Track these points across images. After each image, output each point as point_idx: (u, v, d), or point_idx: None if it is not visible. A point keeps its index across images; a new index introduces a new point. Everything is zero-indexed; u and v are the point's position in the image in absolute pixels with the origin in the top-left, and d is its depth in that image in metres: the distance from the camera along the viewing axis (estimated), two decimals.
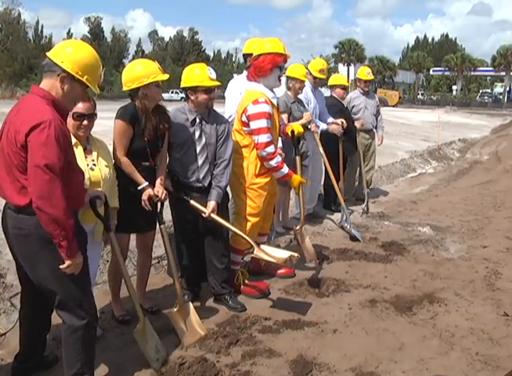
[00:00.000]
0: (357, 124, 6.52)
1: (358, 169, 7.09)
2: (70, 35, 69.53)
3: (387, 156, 10.29)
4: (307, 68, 5.78)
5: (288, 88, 5.21)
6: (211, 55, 78.19)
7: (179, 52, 73.54)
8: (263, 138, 3.74)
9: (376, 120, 7.16)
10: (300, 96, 5.39)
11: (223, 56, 79.73)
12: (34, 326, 2.76)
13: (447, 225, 6.22)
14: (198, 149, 3.53)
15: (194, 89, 3.46)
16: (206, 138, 3.55)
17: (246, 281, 4.05)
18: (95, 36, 70.73)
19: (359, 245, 5.32)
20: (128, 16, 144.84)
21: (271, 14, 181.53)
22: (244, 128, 3.82)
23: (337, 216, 6.30)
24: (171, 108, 3.62)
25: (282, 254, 3.50)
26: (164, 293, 3.92)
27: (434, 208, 7.14)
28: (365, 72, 6.95)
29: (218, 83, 3.54)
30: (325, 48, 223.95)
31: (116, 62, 64.78)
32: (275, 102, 3.93)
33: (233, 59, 76.07)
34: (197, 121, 3.53)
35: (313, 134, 5.47)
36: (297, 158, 4.29)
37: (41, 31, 66.78)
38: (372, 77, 7.01)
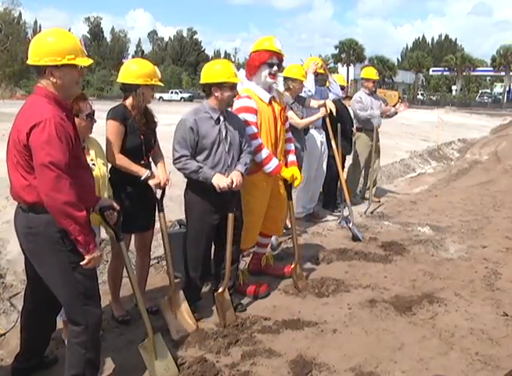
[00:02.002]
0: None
1: (365, 170, 7.08)
2: None
3: (387, 156, 10.28)
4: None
5: (286, 89, 5.20)
6: (211, 55, 78.22)
7: (179, 52, 73.60)
8: (247, 130, 3.73)
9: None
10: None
11: (222, 56, 79.72)
12: (37, 324, 2.75)
13: (447, 225, 6.22)
14: (227, 147, 3.47)
15: (220, 86, 3.39)
16: (230, 136, 3.50)
17: (246, 281, 4.05)
18: (94, 36, 70.78)
19: (359, 245, 5.32)
20: (129, 17, 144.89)
21: (271, 14, 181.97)
22: None
23: (336, 216, 6.32)
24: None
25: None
26: (163, 293, 3.91)
27: (433, 208, 7.14)
28: (374, 72, 7.08)
29: (241, 79, 3.55)
30: (325, 49, 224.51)
31: (115, 62, 64.82)
32: (266, 99, 3.89)
33: (233, 60, 76.11)
34: (221, 119, 3.47)
35: (327, 126, 5.53)
36: (291, 203, 4.13)
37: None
38: (377, 76, 7.12)
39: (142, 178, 3.21)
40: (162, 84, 3.34)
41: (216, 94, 3.41)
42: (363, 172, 7.28)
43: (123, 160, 3.21)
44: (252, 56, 3.90)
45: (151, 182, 3.25)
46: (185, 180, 3.58)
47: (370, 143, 7.00)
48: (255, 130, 3.79)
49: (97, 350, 2.60)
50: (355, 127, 6.81)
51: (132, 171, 3.23)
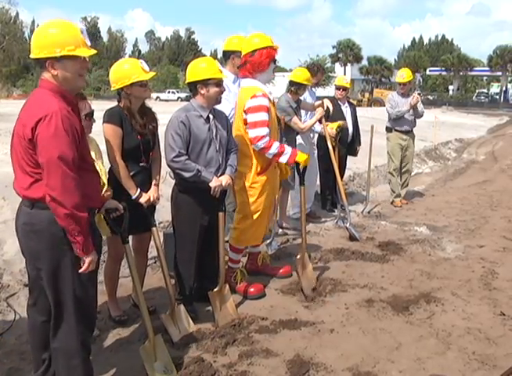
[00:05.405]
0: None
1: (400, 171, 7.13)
2: None
3: (384, 156, 10.27)
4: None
5: (290, 92, 5.19)
6: (208, 55, 78.24)
7: (176, 52, 73.55)
8: (259, 131, 3.71)
9: (415, 121, 7.18)
10: None
11: (219, 56, 79.75)
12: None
13: (443, 224, 6.23)
14: (217, 146, 3.48)
15: (205, 83, 3.39)
16: (220, 135, 3.50)
17: (243, 280, 4.05)
18: (91, 36, 70.67)
19: (356, 245, 5.32)
20: (128, 17, 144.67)
21: (270, 14, 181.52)
22: (246, 126, 3.80)
23: (334, 216, 6.32)
24: (172, 109, 3.59)
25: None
26: (160, 293, 3.92)
27: (430, 208, 7.15)
28: (399, 75, 7.15)
29: (226, 76, 3.56)
30: (324, 49, 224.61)
31: (112, 62, 64.67)
32: (271, 96, 3.92)
33: None
34: (211, 117, 3.48)
35: (324, 128, 5.55)
36: (302, 188, 4.08)
37: None
38: (404, 79, 7.03)
39: (133, 197, 3.21)
40: (144, 77, 3.18)
41: (202, 91, 3.42)
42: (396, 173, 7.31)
43: (122, 171, 3.19)
44: (259, 54, 3.80)
45: (141, 200, 3.23)
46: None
47: (402, 144, 7.11)
48: (267, 130, 3.76)
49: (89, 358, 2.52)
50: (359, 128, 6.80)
51: (125, 185, 3.21)
